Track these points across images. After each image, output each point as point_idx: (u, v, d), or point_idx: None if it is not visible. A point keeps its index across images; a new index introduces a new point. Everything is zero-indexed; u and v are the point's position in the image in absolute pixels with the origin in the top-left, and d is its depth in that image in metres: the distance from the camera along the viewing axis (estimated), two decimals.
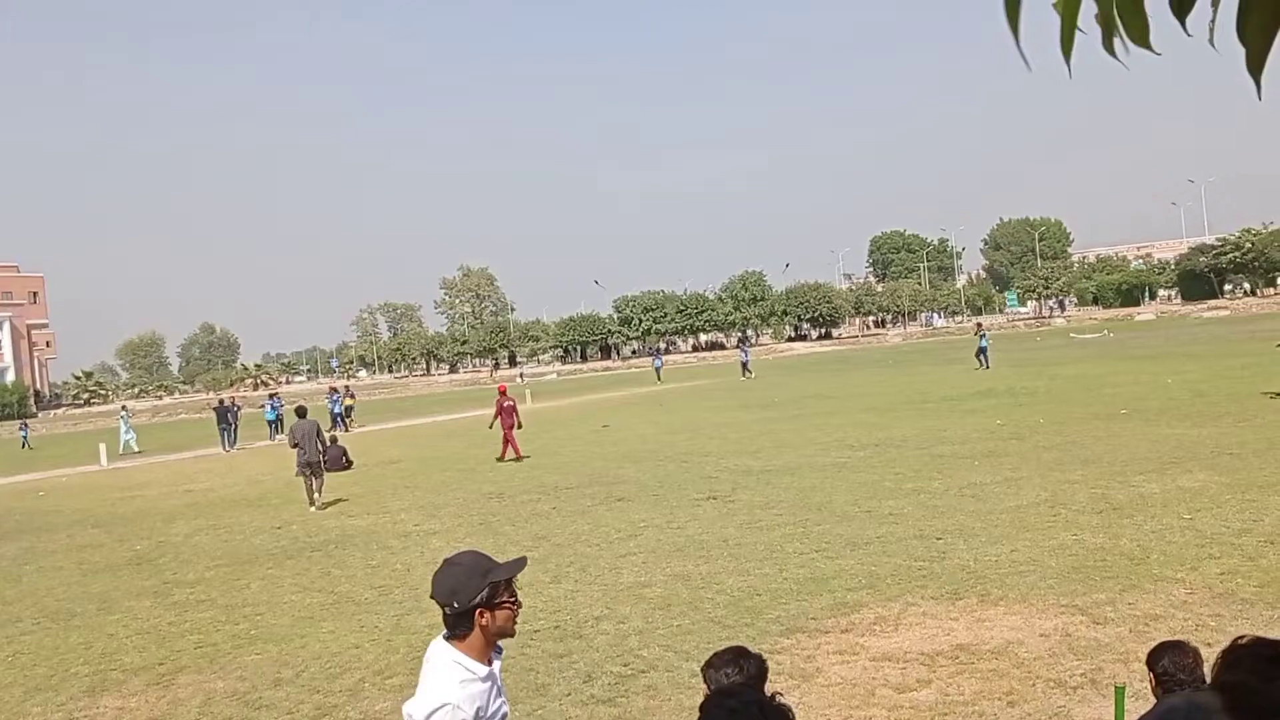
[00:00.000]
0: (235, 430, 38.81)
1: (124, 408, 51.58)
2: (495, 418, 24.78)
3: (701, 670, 3.75)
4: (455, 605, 3.53)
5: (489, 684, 3.58)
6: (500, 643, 3.68)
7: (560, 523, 14.92)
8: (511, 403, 24.76)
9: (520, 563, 3.71)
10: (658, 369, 69.37)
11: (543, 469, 21.54)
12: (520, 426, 24.71)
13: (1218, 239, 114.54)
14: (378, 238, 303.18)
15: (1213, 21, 1.06)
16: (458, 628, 3.57)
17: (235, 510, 19.91)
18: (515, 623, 3.64)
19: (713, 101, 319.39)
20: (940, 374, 42.33)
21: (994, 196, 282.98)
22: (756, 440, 23.22)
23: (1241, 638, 2.37)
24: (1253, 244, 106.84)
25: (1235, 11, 0.99)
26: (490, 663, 3.61)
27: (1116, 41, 0.91)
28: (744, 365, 60.78)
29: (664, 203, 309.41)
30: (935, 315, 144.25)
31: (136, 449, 41.05)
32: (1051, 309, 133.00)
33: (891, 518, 12.90)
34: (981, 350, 43.78)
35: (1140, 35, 0.85)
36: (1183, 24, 1.00)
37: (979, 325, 55.44)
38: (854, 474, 16.73)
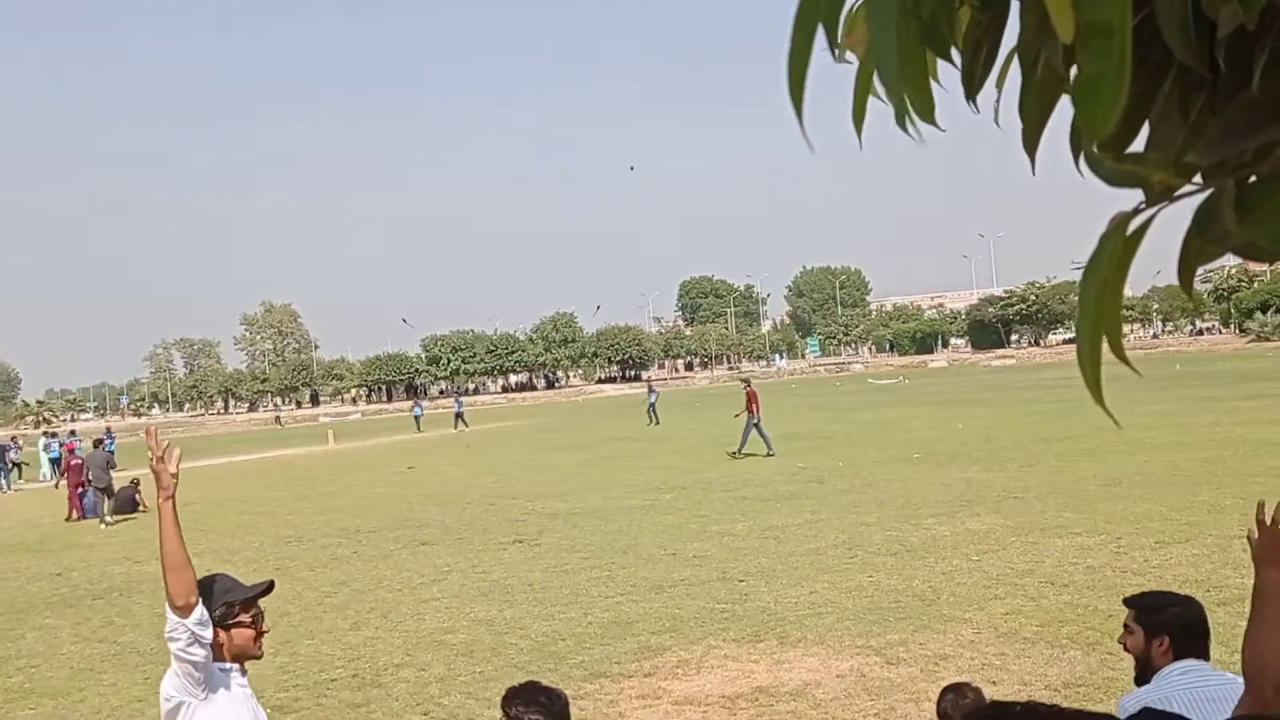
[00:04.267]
0: (9, 471, 36.78)
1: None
2: (63, 476, 25.92)
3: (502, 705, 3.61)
4: None
5: (231, 674, 3.65)
6: (248, 664, 3.75)
7: (361, 567, 14.54)
8: (79, 461, 25.29)
9: (264, 585, 3.79)
10: (417, 418, 60.54)
11: (345, 512, 20.97)
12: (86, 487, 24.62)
13: (1005, 291, 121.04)
14: (175, 270, 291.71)
15: (997, 101, 1.10)
16: None
17: (10, 555, 18.68)
18: (258, 645, 3.73)
19: (520, 141, 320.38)
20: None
21: (797, 245, 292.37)
22: (565, 483, 23.18)
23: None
24: (1036, 296, 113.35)
25: (1018, 93, 1.03)
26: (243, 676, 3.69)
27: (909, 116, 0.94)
28: (458, 416, 57.00)
29: (475, 241, 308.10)
30: (779, 357, 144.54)
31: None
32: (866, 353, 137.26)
33: (696, 560, 13.04)
34: (651, 406, 44.26)
35: (926, 112, 0.87)
36: (973, 101, 1.04)
37: (648, 381, 56.14)
38: (661, 516, 16.87)
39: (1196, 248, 0.83)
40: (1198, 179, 0.84)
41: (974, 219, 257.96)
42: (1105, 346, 0.84)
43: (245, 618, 3.66)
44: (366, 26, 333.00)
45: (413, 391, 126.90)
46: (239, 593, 3.69)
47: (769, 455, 24.73)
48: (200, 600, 3.47)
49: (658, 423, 42.25)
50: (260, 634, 3.73)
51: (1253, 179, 0.80)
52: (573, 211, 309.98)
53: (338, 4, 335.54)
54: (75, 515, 24.07)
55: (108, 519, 22.83)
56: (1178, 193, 0.83)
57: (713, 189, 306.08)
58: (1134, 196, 0.86)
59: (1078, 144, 0.89)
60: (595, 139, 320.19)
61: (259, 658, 3.77)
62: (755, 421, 25.82)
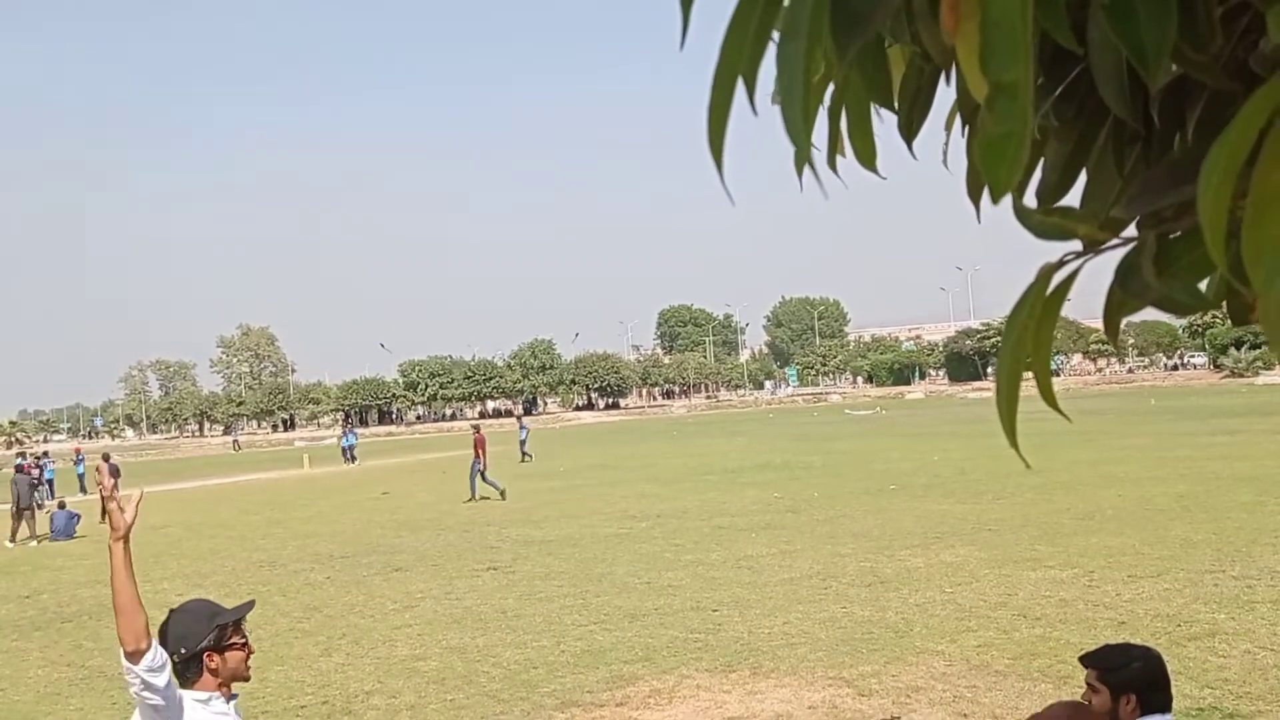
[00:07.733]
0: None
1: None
2: None
3: None
4: (183, 650, 3.50)
5: (211, 703, 3.55)
6: (235, 688, 3.67)
7: (334, 593, 14.46)
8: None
9: (248, 605, 3.80)
10: (345, 449, 53.76)
11: (318, 537, 20.85)
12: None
13: (982, 324, 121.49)
14: (151, 291, 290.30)
15: (946, 145, 1.13)
16: (187, 673, 3.52)
17: None
18: (248, 666, 3.68)
19: (500, 169, 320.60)
20: (722, 446, 43.21)
21: (776, 275, 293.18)
22: (540, 510, 23.11)
23: None
24: None
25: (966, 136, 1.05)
26: (227, 702, 3.60)
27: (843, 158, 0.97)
28: (349, 450, 52.96)
29: (454, 266, 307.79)
30: (781, 385, 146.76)
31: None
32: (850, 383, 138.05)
33: (670, 589, 13.01)
34: (522, 441, 43.61)
35: (867, 158, 0.90)
36: (910, 147, 1.06)
37: (519, 417, 55.00)
38: (635, 545, 16.83)
39: (1119, 301, 0.86)
40: (1131, 231, 0.86)
41: (952, 252, 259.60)
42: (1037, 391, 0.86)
43: (237, 639, 3.61)
44: (343, 47, 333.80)
45: (387, 416, 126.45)
46: (226, 615, 3.62)
47: (501, 498, 25.72)
48: (151, 645, 3.33)
49: (530, 458, 41.60)
50: (248, 653, 3.68)
51: (1174, 235, 0.82)
52: (552, 238, 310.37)
53: (323, 15, 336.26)
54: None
55: (14, 540, 23.72)
56: (1106, 245, 0.85)
57: (692, 218, 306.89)
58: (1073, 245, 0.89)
59: (1015, 197, 0.92)
60: (575, 165, 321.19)
61: (248, 679, 3.72)
62: (480, 469, 26.94)
